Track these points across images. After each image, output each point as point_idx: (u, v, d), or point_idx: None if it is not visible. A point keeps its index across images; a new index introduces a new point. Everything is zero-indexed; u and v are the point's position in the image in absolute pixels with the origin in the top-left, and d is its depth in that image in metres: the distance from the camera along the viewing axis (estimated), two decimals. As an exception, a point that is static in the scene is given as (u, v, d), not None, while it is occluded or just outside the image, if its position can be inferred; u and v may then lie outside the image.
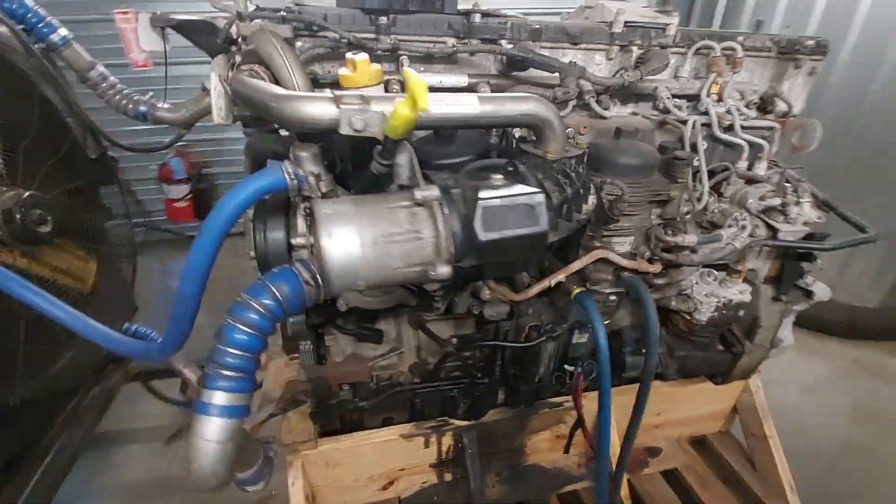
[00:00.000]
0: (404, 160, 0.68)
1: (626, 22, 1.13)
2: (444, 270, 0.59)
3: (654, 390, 1.29)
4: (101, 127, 1.73)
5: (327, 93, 0.69)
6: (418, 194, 0.59)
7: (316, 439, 1.36)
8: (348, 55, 0.81)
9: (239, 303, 0.83)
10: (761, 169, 1.28)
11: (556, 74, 1.07)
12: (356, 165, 0.91)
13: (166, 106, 1.69)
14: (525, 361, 1.33)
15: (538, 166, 0.77)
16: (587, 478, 1.76)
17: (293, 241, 0.92)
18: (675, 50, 1.21)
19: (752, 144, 1.23)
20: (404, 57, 1.02)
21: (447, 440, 1.56)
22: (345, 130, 0.64)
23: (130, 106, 1.63)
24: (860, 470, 1.97)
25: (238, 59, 0.96)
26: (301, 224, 0.92)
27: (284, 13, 0.94)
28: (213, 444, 0.76)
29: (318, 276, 0.75)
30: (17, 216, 1.30)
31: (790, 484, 1.67)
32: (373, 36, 1.01)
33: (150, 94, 1.68)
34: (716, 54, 1.18)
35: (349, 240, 0.58)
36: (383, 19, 1.01)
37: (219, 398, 0.78)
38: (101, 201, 1.69)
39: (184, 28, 1.08)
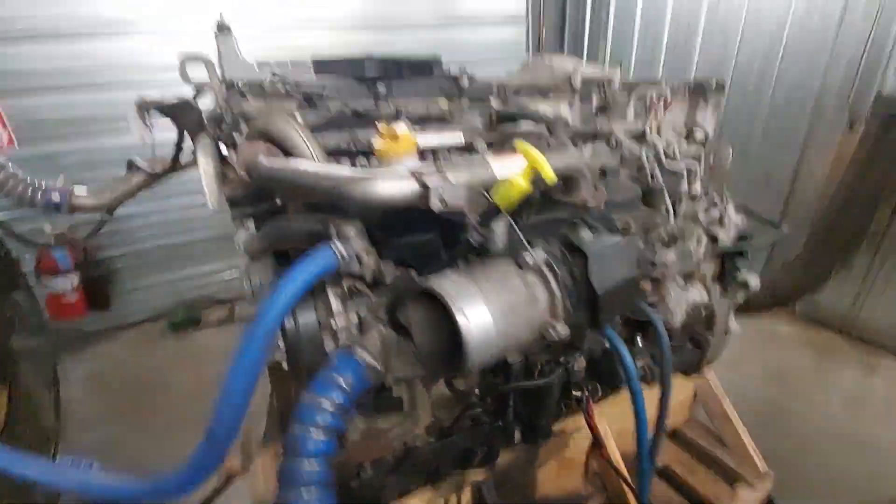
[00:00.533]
0: (502, 228, 0.68)
1: (583, 78, 1.29)
2: (563, 329, 0.61)
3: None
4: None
5: (403, 170, 0.67)
6: (529, 259, 0.61)
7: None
8: (384, 126, 0.80)
9: (308, 404, 0.75)
10: (697, 188, 1.52)
11: (537, 126, 1.17)
12: (391, 234, 0.89)
13: (83, 192, 1.45)
14: (541, 395, 1.36)
15: (594, 216, 0.83)
16: (595, 495, 1.82)
17: (335, 323, 0.86)
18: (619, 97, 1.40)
19: (689, 169, 1.46)
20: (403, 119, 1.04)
21: (466, 495, 1.52)
22: (434, 206, 0.63)
23: (38, 196, 1.36)
24: (788, 428, 2.33)
25: (239, 138, 0.88)
26: (336, 304, 0.86)
27: (286, 88, 0.90)
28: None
29: (377, 360, 0.72)
30: None
31: (756, 453, 1.92)
32: (372, 104, 1.01)
33: (60, 176, 1.43)
34: (653, 98, 1.39)
35: (482, 315, 0.57)
36: (381, 87, 1.02)
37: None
38: (4, 312, 1.35)
39: (164, 109, 0.97)
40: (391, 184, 0.66)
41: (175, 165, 1.37)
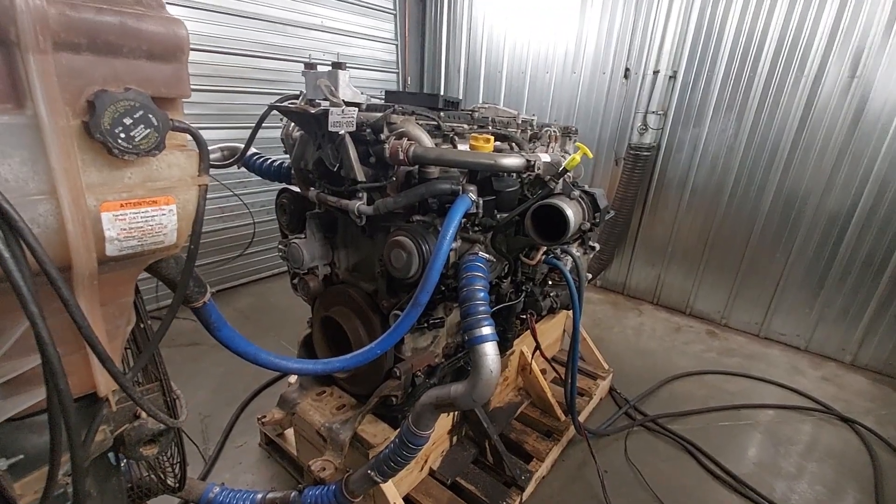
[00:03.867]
0: (561, 184, 1.44)
1: (521, 119, 2.18)
2: (588, 225, 1.42)
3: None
4: None
5: (516, 154, 1.39)
6: (576, 193, 1.39)
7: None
8: (478, 135, 1.50)
9: (473, 273, 1.36)
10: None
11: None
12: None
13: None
14: (509, 314, 2.13)
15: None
16: (524, 402, 2.66)
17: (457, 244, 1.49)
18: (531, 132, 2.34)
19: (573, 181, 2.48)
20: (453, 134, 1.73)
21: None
22: (536, 170, 1.37)
23: None
24: (608, 348, 3.63)
25: (390, 136, 1.44)
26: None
27: (400, 108, 1.50)
28: (495, 356, 1.27)
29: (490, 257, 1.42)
30: None
31: (603, 360, 3.07)
32: (435, 122, 1.67)
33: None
34: (552, 133, 2.37)
35: (573, 214, 1.33)
36: (443, 115, 1.69)
37: (487, 330, 1.30)
38: None
39: (305, 116, 1.43)
40: (513, 160, 1.36)
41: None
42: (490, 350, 1.25)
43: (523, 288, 2.10)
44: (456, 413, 2.19)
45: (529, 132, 2.21)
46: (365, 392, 1.81)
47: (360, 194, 1.55)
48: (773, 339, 3.93)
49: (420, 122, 1.58)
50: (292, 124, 1.81)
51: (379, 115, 1.49)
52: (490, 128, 1.92)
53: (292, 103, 1.70)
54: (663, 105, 4.07)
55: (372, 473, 1.46)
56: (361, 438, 1.69)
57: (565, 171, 1.42)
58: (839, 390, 3.29)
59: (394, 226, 1.55)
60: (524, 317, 2.25)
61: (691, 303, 4.31)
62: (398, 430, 1.51)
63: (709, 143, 3.94)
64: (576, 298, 2.36)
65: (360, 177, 1.49)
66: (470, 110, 1.85)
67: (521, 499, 2.12)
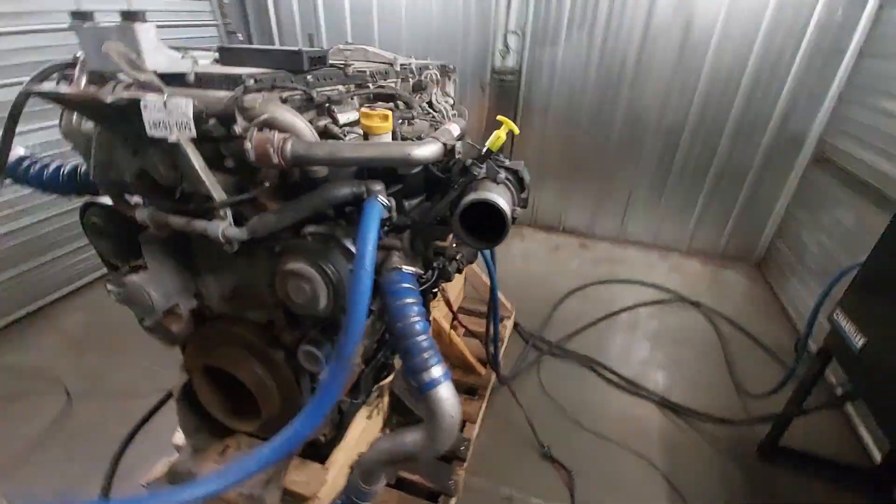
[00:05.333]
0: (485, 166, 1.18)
1: (401, 64, 1.80)
2: (519, 211, 1.23)
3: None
4: None
5: (431, 139, 1.08)
6: (502, 175, 1.17)
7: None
8: (379, 109, 1.14)
9: (398, 288, 1.10)
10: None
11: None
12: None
13: None
14: (426, 296, 1.93)
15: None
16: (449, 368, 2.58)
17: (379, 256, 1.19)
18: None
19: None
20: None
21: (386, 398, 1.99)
22: (458, 156, 1.08)
23: None
24: (507, 276, 3.73)
25: (249, 127, 1.00)
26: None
27: (252, 78, 1.04)
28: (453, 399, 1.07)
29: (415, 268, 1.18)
30: None
31: (507, 301, 3.12)
32: (303, 92, 1.23)
33: None
34: (431, 76, 2.04)
35: (505, 204, 1.12)
36: (311, 78, 1.26)
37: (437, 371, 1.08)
38: None
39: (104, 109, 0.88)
40: (428, 148, 1.05)
41: None
42: (446, 393, 1.05)
43: (434, 265, 1.89)
44: (386, 408, 2.01)
45: (412, 81, 1.86)
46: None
47: (223, 212, 1.11)
48: (630, 241, 4.49)
49: (284, 95, 1.14)
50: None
51: (222, 95, 1.02)
52: (371, 87, 1.52)
53: (66, 77, 1.08)
54: (521, 24, 3.91)
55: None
56: (293, 492, 1.42)
57: (490, 152, 1.17)
58: (683, 277, 3.94)
59: (279, 244, 1.17)
60: (435, 291, 2.08)
61: (563, 220, 4.63)
62: (343, 487, 1.27)
63: (566, 63, 3.97)
64: (489, 259, 2.25)
65: (219, 194, 1.04)
66: (342, 65, 1.42)
67: (463, 467, 2.12)
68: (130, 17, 1.00)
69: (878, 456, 2.26)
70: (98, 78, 1.07)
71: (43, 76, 1.07)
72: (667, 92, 3.80)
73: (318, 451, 1.53)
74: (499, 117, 1.22)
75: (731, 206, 4.03)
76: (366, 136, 1.18)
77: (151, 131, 0.90)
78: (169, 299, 1.34)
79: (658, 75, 3.77)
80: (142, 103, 0.91)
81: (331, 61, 1.45)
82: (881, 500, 2.12)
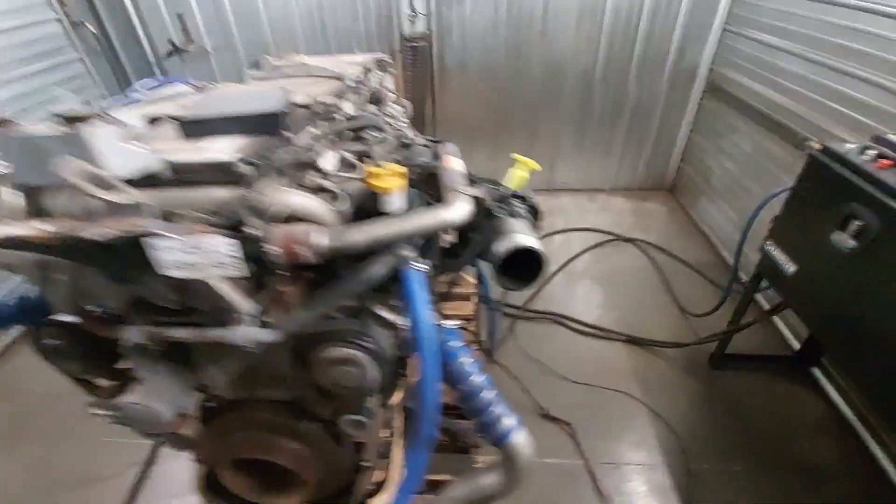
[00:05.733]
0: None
1: (356, 79, 1.63)
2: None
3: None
4: None
5: (459, 195, 1.01)
6: (521, 207, 1.15)
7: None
8: (376, 169, 1.05)
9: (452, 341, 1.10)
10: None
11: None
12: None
13: None
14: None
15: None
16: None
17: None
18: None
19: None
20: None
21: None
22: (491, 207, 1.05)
23: None
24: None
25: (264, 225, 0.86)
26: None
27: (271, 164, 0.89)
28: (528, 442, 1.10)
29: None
30: None
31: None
32: (289, 158, 1.09)
33: None
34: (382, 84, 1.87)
35: (540, 245, 1.12)
36: (289, 134, 1.10)
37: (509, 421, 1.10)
38: None
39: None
40: (461, 208, 0.99)
41: None
42: (521, 439, 1.08)
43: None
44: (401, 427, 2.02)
45: (364, 93, 1.70)
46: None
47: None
48: (560, 189, 4.71)
49: (276, 166, 0.99)
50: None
51: (221, 195, 0.87)
52: (344, 122, 1.37)
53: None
54: (424, -18, 3.67)
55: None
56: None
57: (515, 196, 1.14)
58: (613, 215, 4.28)
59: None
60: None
61: (498, 178, 4.70)
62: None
63: (475, 20, 3.85)
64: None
65: (250, 307, 0.91)
66: (303, 105, 1.24)
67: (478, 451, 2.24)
68: (76, 120, 0.78)
69: (796, 344, 2.78)
70: (32, 191, 0.86)
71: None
72: (576, 38, 3.88)
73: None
74: (513, 155, 1.18)
75: (645, 139, 4.37)
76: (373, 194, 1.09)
77: (170, 271, 0.74)
78: (176, 405, 1.19)
79: (565, 23, 3.81)
80: (157, 243, 0.74)
81: (277, 83, 1.27)
82: (803, 377, 2.65)
